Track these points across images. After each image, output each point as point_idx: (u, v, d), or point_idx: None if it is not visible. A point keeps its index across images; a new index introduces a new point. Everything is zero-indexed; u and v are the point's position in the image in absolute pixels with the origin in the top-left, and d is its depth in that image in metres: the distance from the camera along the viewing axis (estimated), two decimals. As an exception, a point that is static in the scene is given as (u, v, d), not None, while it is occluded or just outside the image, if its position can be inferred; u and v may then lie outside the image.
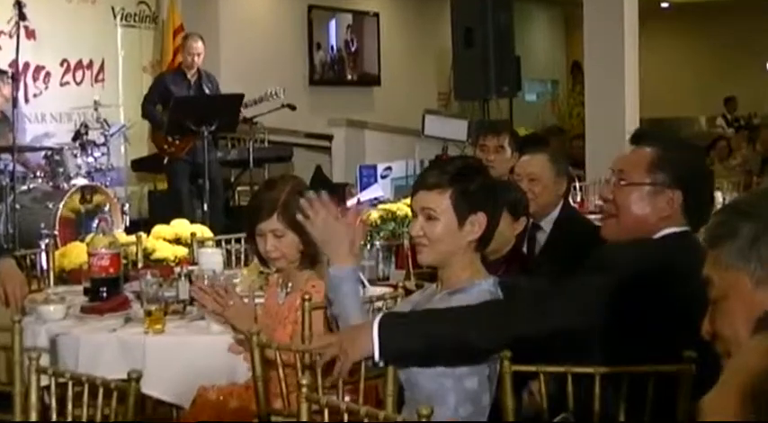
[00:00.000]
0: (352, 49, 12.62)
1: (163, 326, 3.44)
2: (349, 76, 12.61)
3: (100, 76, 9.45)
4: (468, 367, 2.50)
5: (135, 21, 9.82)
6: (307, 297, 3.07)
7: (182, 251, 4.89)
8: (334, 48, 12.38)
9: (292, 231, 3.13)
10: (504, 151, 5.10)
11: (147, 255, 4.83)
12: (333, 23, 12.35)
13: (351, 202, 6.32)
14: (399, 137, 10.79)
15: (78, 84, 9.28)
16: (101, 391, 2.52)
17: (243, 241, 4.83)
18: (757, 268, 1.41)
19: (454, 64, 9.23)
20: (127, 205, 8.31)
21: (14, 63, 7.55)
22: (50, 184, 7.57)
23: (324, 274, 2.81)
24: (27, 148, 7.82)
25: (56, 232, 7.06)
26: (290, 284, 3.26)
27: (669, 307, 2.34)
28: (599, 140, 8.37)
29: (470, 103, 9.94)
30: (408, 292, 3.38)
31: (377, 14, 12.93)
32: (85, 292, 3.93)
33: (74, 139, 7.91)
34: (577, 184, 6.80)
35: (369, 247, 4.38)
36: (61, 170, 7.58)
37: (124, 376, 2.52)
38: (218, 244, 4.98)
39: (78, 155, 7.80)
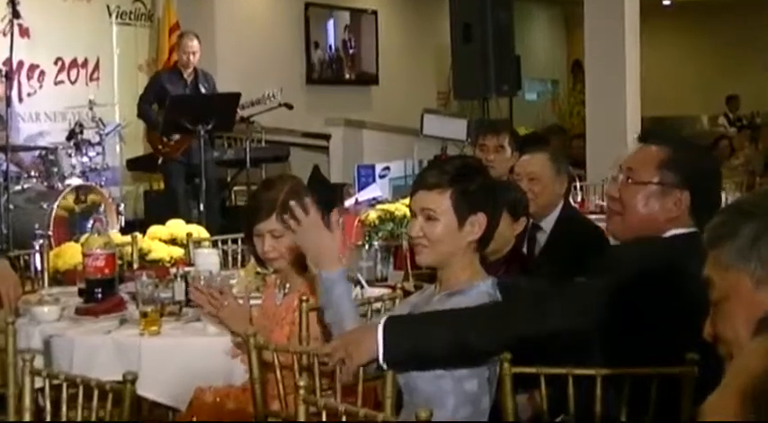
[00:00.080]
0: (350, 48, 12.56)
1: (159, 327, 3.42)
2: (347, 75, 12.56)
3: (95, 75, 9.41)
4: (467, 369, 2.49)
5: (130, 19, 9.78)
6: (304, 298, 3.06)
7: (177, 252, 4.87)
8: (332, 46, 12.33)
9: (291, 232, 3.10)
10: (504, 151, 5.08)
11: (142, 255, 4.81)
12: (330, 22, 12.31)
13: (349, 203, 6.30)
14: (398, 136, 10.75)
15: (73, 82, 9.23)
16: (96, 393, 2.52)
17: (240, 242, 4.81)
18: (757, 268, 1.39)
19: (453, 60, 9.21)
20: (122, 205, 8.30)
21: (8, 61, 7.49)
22: (45, 183, 7.53)
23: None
24: (21, 148, 7.78)
25: (50, 232, 7.03)
26: (287, 285, 3.25)
27: (673, 308, 2.32)
28: (600, 140, 8.35)
29: (470, 103, 9.91)
30: (407, 294, 3.37)
31: (375, 12, 12.86)
32: (80, 293, 3.91)
33: (68, 139, 7.88)
34: (578, 184, 6.77)
35: (367, 247, 4.35)
36: (56, 170, 7.55)
37: (119, 378, 2.51)
38: (214, 244, 4.97)
39: (73, 154, 7.77)
